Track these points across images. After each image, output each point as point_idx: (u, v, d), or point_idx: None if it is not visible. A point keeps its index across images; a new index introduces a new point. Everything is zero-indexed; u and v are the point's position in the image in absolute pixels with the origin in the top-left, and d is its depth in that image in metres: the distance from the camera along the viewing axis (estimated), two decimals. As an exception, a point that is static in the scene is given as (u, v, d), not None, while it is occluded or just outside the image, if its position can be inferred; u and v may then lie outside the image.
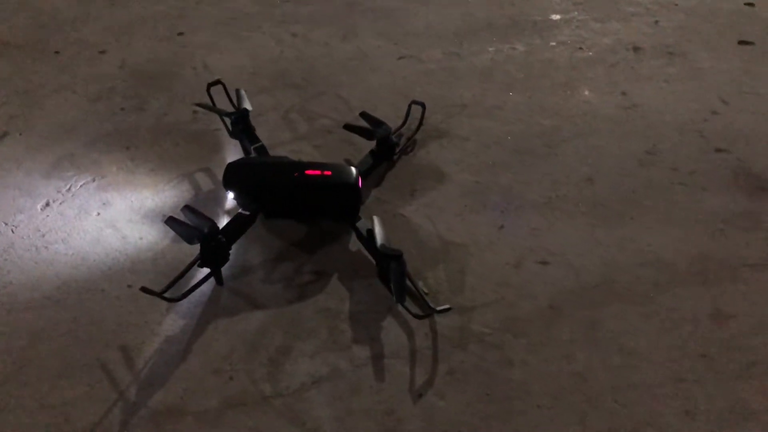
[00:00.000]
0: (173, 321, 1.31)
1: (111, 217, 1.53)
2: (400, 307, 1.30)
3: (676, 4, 2.23)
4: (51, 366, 1.24)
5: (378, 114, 1.68)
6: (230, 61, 2.03)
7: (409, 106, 1.73)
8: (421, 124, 1.75)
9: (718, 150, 1.69)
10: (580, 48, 2.04)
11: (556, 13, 2.18)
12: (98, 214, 1.53)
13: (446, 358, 1.25)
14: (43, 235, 1.48)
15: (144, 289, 1.22)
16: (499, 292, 1.36)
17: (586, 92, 1.87)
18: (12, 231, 1.49)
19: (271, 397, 1.19)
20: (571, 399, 1.19)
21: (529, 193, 1.58)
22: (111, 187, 1.60)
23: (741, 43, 2.05)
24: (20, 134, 1.76)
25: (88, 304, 1.34)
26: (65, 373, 1.23)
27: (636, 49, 2.03)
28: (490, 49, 2.04)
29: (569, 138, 1.73)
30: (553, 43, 2.06)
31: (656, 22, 2.14)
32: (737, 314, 1.31)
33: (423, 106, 1.74)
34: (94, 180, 1.62)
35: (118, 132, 1.77)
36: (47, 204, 1.55)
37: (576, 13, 2.19)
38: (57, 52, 2.06)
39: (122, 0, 2.27)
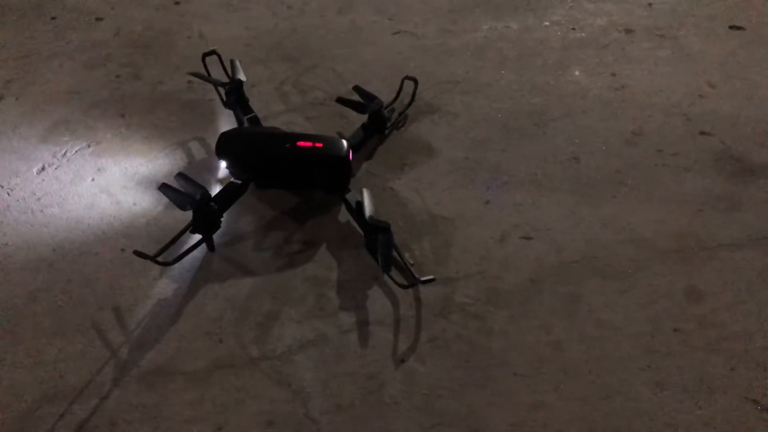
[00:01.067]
0: (165, 285, 1.35)
1: (105, 182, 1.55)
2: (386, 277, 1.34)
3: (671, -13, 2.25)
4: (45, 325, 1.28)
5: (371, 88, 1.70)
6: (226, 31, 2.03)
7: (402, 81, 1.75)
8: (413, 99, 1.78)
9: (703, 133, 1.72)
10: (573, 28, 2.06)
11: (552, -8, 2.19)
12: (93, 179, 1.56)
13: (429, 326, 1.30)
14: (39, 199, 1.51)
15: (137, 253, 1.25)
16: (483, 265, 1.40)
17: (577, 72, 1.90)
18: (8, 194, 1.52)
19: (258, 359, 1.24)
20: (548, 368, 1.24)
21: (516, 170, 1.62)
22: (106, 154, 1.62)
23: (732, 27, 2.07)
24: (16, 99, 1.77)
25: (82, 266, 1.38)
26: (59, 332, 1.27)
27: (628, 31, 2.05)
28: (484, 26, 2.06)
29: (558, 117, 1.76)
30: (547, 23, 2.08)
31: (650, 4, 2.16)
32: (711, 292, 1.36)
33: (415, 81, 1.76)
34: (89, 146, 1.64)
35: (114, 99, 1.78)
36: (43, 168, 1.58)
37: (571, -7, 2.20)
38: (53, 18, 2.06)
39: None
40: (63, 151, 1.62)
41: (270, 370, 1.22)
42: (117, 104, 1.77)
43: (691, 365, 1.24)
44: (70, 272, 1.36)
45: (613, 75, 1.90)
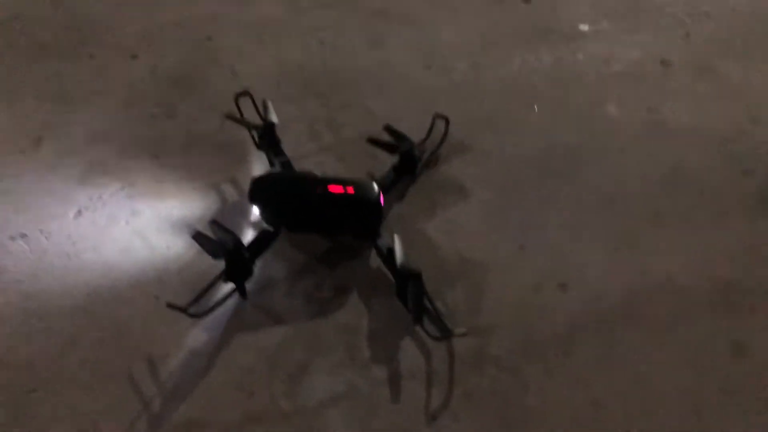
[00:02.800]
0: (197, 334, 1.35)
1: (140, 225, 1.57)
2: (417, 328, 1.32)
3: (709, 16, 2.19)
4: (81, 374, 1.29)
5: (402, 126, 1.69)
6: (257, 67, 2.05)
7: (433, 119, 1.74)
8: (444, 138, 1.76)
9: (746, 172, 1.67)
10: (608, 61, 2.02)
11: (585, 23, 2.15)
12: (127, 222, 1.58)
13: (462, 380, 1.27)
14: (75, 243, 1.53)
15: (170, 305, 1.26)
16: (517, 315, 1.38)
17: (612, 108, 1.86)
18: (46, 238, 1.54)
19: (289, 413, 1.23)
20: (586, 427, 1.20)
21: (551, 212, 1.59)
22: (140, 196, 1.64)
23: (775, 58, 2.01)
24: (54, 140, 1.81)
25: (116, 313, 1.39)
26: (94, 382, 1.28)
27: (665, 63, 2.00)
28: (517, 60, 2.03)
29: (593, 156, 1.72)
30: (580, 56, 2.04)
31: (687, 34, 2.11)
32: (757, 347, 1.31)
33: (446, 120, 1.75)
34: (123, 188, 1.66)
35: (148, 139, 1.81)
36: (79, 212, 1.60)
37: (605, 23, 2.16)
38: (91, 57, 2.10)
39: (155, 4, 2.30)
40: (99, 194, 1.64)
41: (302, 424, 1.21)
42: (151, 144, 1.79)
43: (738, 427, 1.19)
44: (105, 319, 1.38)
45: (650, 110, 1.85)
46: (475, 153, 1.75)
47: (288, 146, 1.67)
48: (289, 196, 1.49)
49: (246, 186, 1.50)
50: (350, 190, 1.44)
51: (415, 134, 1.68)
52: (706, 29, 2.14)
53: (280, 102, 1.87)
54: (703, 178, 1.65)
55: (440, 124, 1.75)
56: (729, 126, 1.79)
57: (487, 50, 2.09)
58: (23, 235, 1.54)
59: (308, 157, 1.75)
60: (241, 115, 1.71)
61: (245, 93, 1.71)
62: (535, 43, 2.11)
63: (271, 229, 1.46)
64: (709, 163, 1.69)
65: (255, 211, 1.54)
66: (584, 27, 2.17)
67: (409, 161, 1.65)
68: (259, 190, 1.48)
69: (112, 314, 1.39)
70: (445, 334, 1.30)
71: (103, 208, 1.61)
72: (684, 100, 1.88)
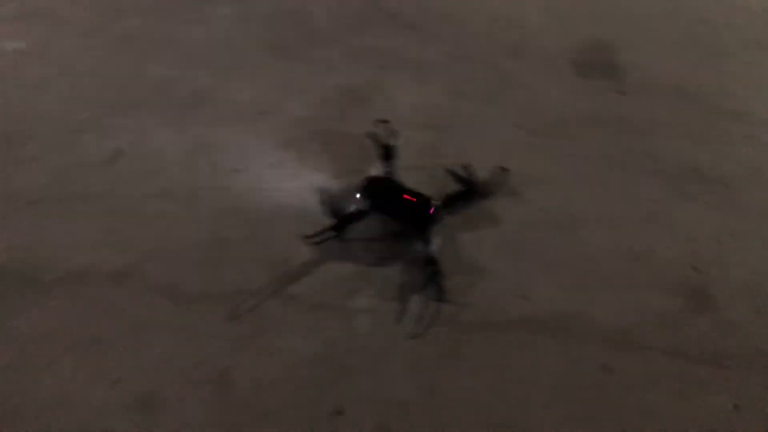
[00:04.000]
0: (312, 249, 2.39)
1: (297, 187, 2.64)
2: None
3: None
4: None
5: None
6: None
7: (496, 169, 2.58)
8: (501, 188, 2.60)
9: None
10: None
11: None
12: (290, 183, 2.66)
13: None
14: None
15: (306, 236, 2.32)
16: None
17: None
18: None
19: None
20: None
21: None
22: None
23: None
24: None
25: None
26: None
27: None
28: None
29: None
30: None
31: None
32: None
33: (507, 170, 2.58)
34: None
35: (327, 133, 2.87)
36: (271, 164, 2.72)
37: None
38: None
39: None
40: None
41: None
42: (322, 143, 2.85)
43: (576, 408, 1.95)
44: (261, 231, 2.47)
45: None
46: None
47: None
48: (382, 194, 2.45)
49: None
50: (414, 200, 2.37)
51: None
52: None
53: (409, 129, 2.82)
54: None
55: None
56: None
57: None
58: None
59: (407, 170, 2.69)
60: (378, 135, 2.70)
61: (385, 121, 2.69)
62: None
63: (366, 209, 2.44)
64: None
65: (357, 196, 2.52)
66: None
67: (469, 196, 2.53)
68: (367, 186, 2.46)
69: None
70: (444, 298, 2.20)
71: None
72: None
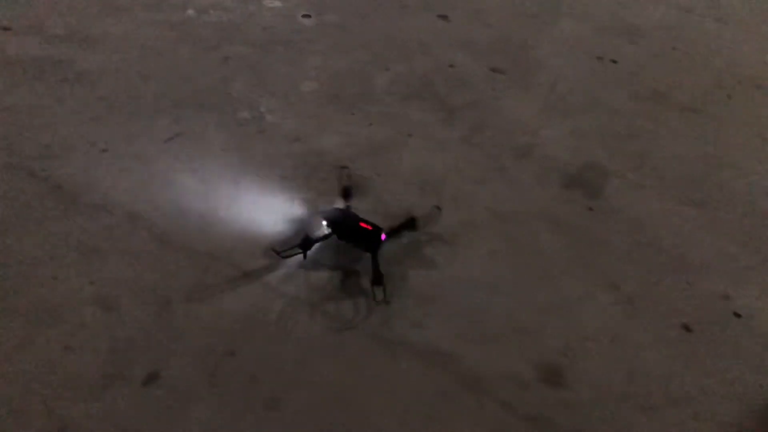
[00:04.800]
0: (282, 262, 2.95)
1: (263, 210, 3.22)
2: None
3: None
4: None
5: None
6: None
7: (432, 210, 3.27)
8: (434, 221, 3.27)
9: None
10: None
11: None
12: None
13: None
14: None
15: (272, 249, 2.88)
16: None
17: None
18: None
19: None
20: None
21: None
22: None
23: None
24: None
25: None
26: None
27: None
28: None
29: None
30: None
31: None
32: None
33: (439, 209, 3.27)
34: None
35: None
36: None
37: None
38: (261, 133, 3.85)
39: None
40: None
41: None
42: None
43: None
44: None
45: None
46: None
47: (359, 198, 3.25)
48: (341, 224, 3.07)
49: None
50: (369, 227, 3.01)
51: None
52: None
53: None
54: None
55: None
56: None
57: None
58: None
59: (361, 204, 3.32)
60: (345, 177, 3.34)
61: (345, 167, 3.35)
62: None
63: (328, 233, 3.04)
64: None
65: (323, 224, 3.13)
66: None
67: (411, 226, 3.19)
68: (330, 216, 3.08)
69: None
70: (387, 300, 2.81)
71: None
72: None
